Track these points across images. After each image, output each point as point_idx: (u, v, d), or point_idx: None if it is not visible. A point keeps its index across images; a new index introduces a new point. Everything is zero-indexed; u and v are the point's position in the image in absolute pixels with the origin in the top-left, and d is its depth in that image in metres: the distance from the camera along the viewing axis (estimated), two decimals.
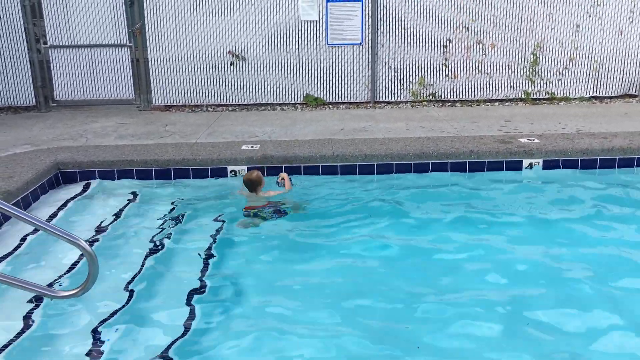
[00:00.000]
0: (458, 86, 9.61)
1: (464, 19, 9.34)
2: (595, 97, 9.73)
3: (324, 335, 3.21)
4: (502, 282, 3.79)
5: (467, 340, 3.15)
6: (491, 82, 9.61)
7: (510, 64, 9.52)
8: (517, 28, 9.38)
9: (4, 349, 3.07)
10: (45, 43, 9.34)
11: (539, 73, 9.58)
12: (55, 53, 9.33)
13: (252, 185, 5.19)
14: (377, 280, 3.82)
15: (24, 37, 9.21)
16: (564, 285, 3.72)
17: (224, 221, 4.83)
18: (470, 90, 9.63)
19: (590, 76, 9.65)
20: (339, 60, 9.45)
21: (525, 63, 9.53)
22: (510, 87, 9.62)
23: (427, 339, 3.16)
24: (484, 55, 9.48)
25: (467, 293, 3.64)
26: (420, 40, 9.40)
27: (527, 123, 7.79)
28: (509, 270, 3.92)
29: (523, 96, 9.63)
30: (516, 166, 6.02)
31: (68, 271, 3.94)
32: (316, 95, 9.55)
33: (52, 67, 9.40)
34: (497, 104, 9.55)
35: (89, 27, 9.22)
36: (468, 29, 9.37)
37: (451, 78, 9.57)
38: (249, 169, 5.90)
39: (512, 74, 9.58)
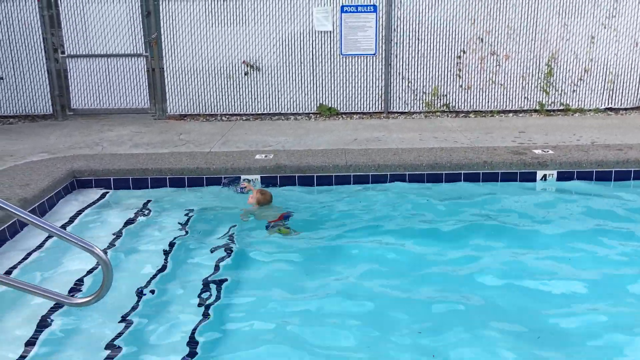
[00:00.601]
0: (472, 97, 9.60)
1: (478, 30, 9.34)
2: (610, 109, 9.67)
3: (343, 343, 3.21)
4: (516, 293, 3.76)
5: (482, 351, 3.14)
6: (505, 93, 9.58)
7: (524, 75, 9.50)
8: (532, 39, 9.36)
9: (26, 355, 3.10)
10: (62, 52, 9.48)
11: (554, 84, 9.54)
12: (73, 62, 9.47)
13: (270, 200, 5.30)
14: (389, 290, 3.82)
15: (43, 46, 9.35)
16: (580, 297, 3.68)
17: (236, 228, 4.86)
18: (484, 101, 9.61)
19: (605, 87, 9.59)
20: (353, 71, 9.48)
21: (540, 74, 9.50)
22: (525, 98, 9.59)
23: (443, 349, 3.15)
24: (498, 66, 9.47)
25: (480, 303, 3.62)
26: (434, 51, 9.41)
27: (542, 134, 7.76)
28: (521, 281, 3.89)
29: (537, 107, 9.59)
30: (530, 177, 5.99)
31: (82, 278, 3.98)
32: (330, 105, 9.59)
33: (69, 76, 9.53)
34: (511, 115, 9.52)
35: (106, 36, 9.35)
36: (482, 40, 9.37)
37: (465, 89, 9.56)
38: (262, 178, 5.94)
39: (527, 85, 9.55)
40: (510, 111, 9.63)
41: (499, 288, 3.83)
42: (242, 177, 5.94)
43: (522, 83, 9.53)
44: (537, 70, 9.49)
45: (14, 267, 4.13)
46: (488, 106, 9.63)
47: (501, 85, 9.55)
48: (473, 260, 4.26)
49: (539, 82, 9.53)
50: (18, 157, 6.83)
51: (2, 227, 4.46)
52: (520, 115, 9.49)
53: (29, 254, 4.33)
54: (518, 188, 5.86)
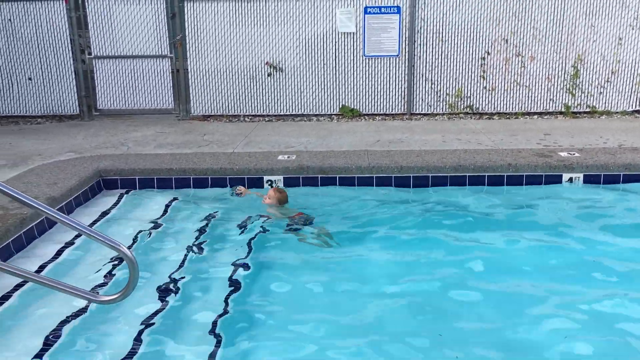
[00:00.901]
0: (496, 99, 9.52)
1: (502, 31, 9.26)
2: (637, 112, 9.50)
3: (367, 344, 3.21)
4: (539, 296, 3.72)
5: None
6: (530, 94, 9.49)
7: (550, 76, 9.39)
8: (558, 40, 9.26)
9: (47, 349, 3.16)
10: (89, 54, 9.63)
11: (580, 86, 9.42)
12: (99, 63, 9.61)
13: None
14: (410, 294, 3.80)
15: (70, 47, 9.52)
16: (604, 303, 3.63)
17: (258, 228, 4.89)
18: (508, 102, 9.52)
19: (633, 90, 9.43)
20: (376, 72, 9.47)
21: (566, 76, 9.38)
22: (550, 100, 9.48)
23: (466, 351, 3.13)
24: (523, 68, 9.38)
25: (501, 306, 3.59)
26: (458, 52, 9.35)
27: (567, 137, 7.66)
28: (545, 285, 3.85)
29: (563, 109, 9.47)
30: (556, 180, 5.92)
31: (108, 276, 4.03)
32: (352, 107, 9.59)
33: (95, 77, 9.68)
34: (536, 117, 9.41)
35: (132, 38, 9.47)
36: (507, 41, 9.29)
37: (489, 90, 9.48)
38: (284, 179, 5.96)
39: (552, 87, 9.44)
40: (535, 113, 9.53)
41: (522, 292, 3.79)
42: (265, 177, 5.97)
43: (548, 85, 9.43)
44: (562, 72, 9.37)
45: (43, 265, 4.20)
46: (512, 108, 9.54)
47: (526, 86, 9.45)
48: (496, 263, 4.22)
49: (565, 83, 9.41)
50: (46, 156, 6.96)
51: (31, 225, 4.55)
52: (545, 117, 9.38)
53: (57, 252, 4.41)
54: (543, 191, 5.79)
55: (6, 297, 3.71)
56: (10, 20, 9.39)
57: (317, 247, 4.55)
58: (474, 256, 4.34)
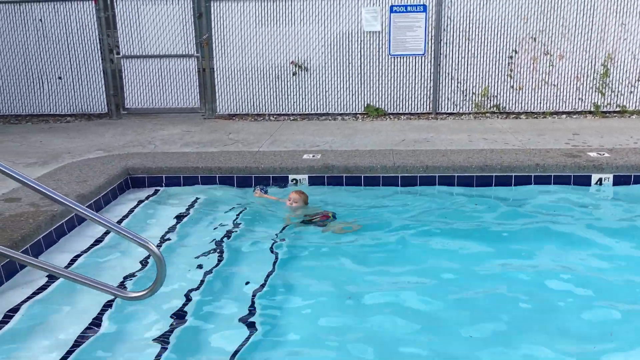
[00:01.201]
0: (523, 98, 9.40)
1: (531, 30, 9.14)
2: None
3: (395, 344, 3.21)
4: (566, 299, 3.67)
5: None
6: (558, 93, 9.34)
7: (579, 75, 9.24)
8: (587, 39, 9.10)
9: (78, 346, 3.21)
10: (118, 53, 9.77)
11: (610, 85, 9.25)
12: (127, 63, 9.74)
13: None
14: (433, 295, 3.78)
15: (99, 47, 9.67)
16: (632, 309, 3.56)
17: (284, 227, 4.91)
18: (536, 101, 9.40)
19: None
20: (401, 71, 9.42)
21: (595, 75, 9.22)
22: (579, 99, 9.33)
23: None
24: (551, 67, 9.24)
25: (529, 307, 3.55)
26: (485, 51, 9.25)
27: (597, 137, 7.53)
28: (572, 287, 3.79)
29: (592, 109, 9.31)
30: (585, 181, 5.82)
31: (135, 273, 4.09)
32: (377, 106, 9.56)
33: (123, 77, 9.82)
34: (564, 116, 9.27)
35: (159, 38, 9.59)
36: (535, 39, 9.16)
37: (516, 89, 9.36)
38: (309, 178, 5.98)
39: (581, 86, 9.29)
40: (563, 112, 9.38)
41: (550, 293, 3.74)
42: (290, 176, 6.00)
43: (577, 84, 9.27)
44: (592, 71, 9.21)
45: (73, 260, 4.28)
46: (540, 107, 9.41)
47: (554, 85, 9.31)
48: (522, 264, 4.17)
49: (594, 82, 9.25)
50: (75, 154, 7.08)
51: (61, 222, 4.63)
52: (574, 116, 9.24)
53: (86, 249, 4.48)
54: (572, 191, 5.70)
55: (37, 292, 3.79)
56: (41, 20, 9.58)
57: (344, 242, 4.56)
58: (500, 256, 4.30)
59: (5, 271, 3.87)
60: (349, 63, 9.45)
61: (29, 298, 3.70)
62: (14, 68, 9.77)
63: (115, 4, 9.51)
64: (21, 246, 4.06)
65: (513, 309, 3.56)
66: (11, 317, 3.49)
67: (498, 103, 9.43)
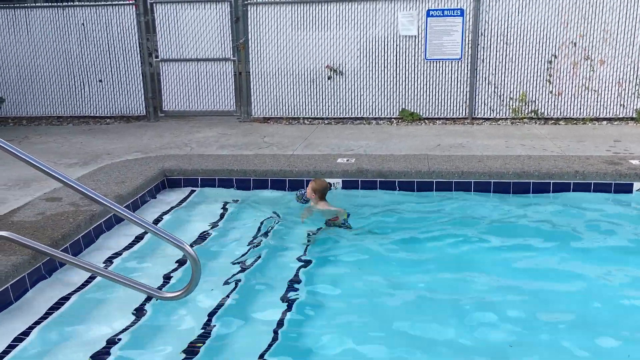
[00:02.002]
0: (562, 103, 9.21)
1: (571, 34, 8.96)
2: None
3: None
4: (602, 310, 3.57)
5: None
6: (599, 99, 9.13)
7: (620, 81, 9.01)
8: (630, 44, 8.87)
9: (117, 342, 3.28)
10: (156, 57, 9.95)
11: None
12: (165, 66, 9.91)
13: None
14: (468, 302, 3.73)
15: (138, 51, 9.86)
16: None
17: (319, 229, 4.91)
18: (575, 107, 9.20)
19: None
20: (437, 76, 9.35)
21: (638, 80, 8.97)
22: (620, 105, 9.09)
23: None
24: (592, 72, 9.04)
25: (563, 318, 3.48)
26: (523, 56, 9.11)
27: (639, 144, 7.32)
28: (607, 301, 3.69)
29: (634, 115, 9.06)
30: (626, 189, 5.66)
31: (171, 273, 4.15)
32: (412, 110, 9.49)
33: (161, 80, 9.99)
34: (604, 122, 9.05)
35: (197, 41, 9.73)
36: (575, 44, 8.97)
37: (555, 95, 9.18)
38: (344, 182, 5.97)
39: (623, 92, 9.05)
40: (604, 119, 9.16)
41: (583, 302, 3.66)
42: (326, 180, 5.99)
43: (618, 89, 9.04)
44: (634, 76, 8.97)
45: (110, 259, 4.37)
46: (580, 113, 9.20)
47: (595, 91, 9.10)
48: (557, 274, 4.09)
49: (637, 88, 9.00)
50: (114, 155, 7.23)
51: (100, 222, 4.73)
52: (615, 123, 9.01)
53: (124, 248, 4.57)
54: (612, 200, 5.56)
55: (75, 291, 3.88)
56: (83, 24, 9.82)
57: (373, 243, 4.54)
58: (536, 265, 4.22)
59: (45, 268, 3.97)
60: (384, 67, 9.42)
61: (68, 295, 3.79)
62: (57, 71, 10.04)
63: (155, 8, 9.69)
64: (61, 245, 4.16)
65: (551, 316, 3.49)
66: (50, 314, 3.57)
67: (536, 108, 9.26)
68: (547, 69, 9.12)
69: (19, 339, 3.26)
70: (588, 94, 9.13)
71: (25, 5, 10.08)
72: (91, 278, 3.99)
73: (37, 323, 3.44)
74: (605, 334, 3.31)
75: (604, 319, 3.48)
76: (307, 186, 5.28)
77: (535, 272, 4.13)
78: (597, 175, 5.69)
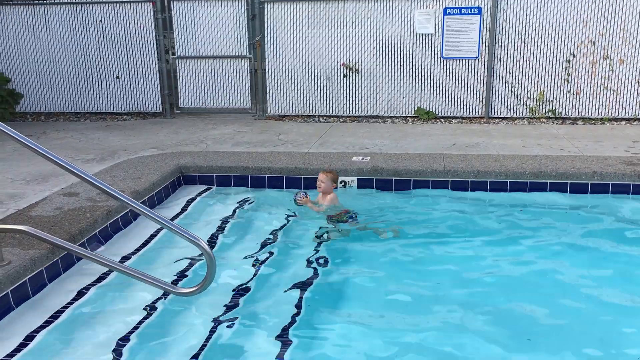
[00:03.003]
0: (580, 103, 9.11)
1: (590, 33, 8.86)
2: None
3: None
4: (619, 315, 3.53)
5: None
6: (618, 99, 9.02)
7: None
8: None
9: (130, 338, 3.30)
10: (173, 54, 10.00)
11: None
12: (182, 63, 9.96)
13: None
14: (483, 303, 3.71)
15: (155, 48, 9.92)
16: None
17: (332, 227, 4.91)
18: (594, 107, 9.10)
19: None
20: (453, 74, 9.29)
21: None
22: None
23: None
24: (611, 71, 8.93)
25: (578, 321, 3.45)
26: (541, 55, 9.02)
27: None
28: (621, 307, 3.65)
29: None
30: None
31: (186, 269, 4.17)
32: (428, 109, 9.45)
33: (178, 77, 10.04)
34: (623, 122, 8.94)
35: (213, 39, 9.76)
36: (594, 43, 8.88)
37: (573, 94, 9.09)
38: (358, 180, 5.96)
39: None
40: (622, 119, 9.05)
41: (597, 309, 3.61)
42: (339, 178, 5.99)
43: (638, 89, 8.93)
44: None
45: (126, 254, 4.40)
46: (598, 113, 9.10)
47: (614, 91, 8.99)
48: (574, 275, 4.05)
49: None
50: (131, 151, 7.29)
51: (116, 217, 4.77)
52: (634, 123, 8.89)
53: (141, 244, 4.60)
54: (631, 201, 5.49)
55: (93, 284, 3.91)
56: (101, 21, 9.90)
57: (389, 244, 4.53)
58: (553, 266, 4.19)
59: (62, 263, 4.02)
60: (400, 65, 9.39)
61: (85, 289, 3.83)
62: (75, 67, 10.13)
63: (172, 5, 9.74)
64: (78, 239, 4.20)
65: (566, 318, 3.46)
66: (67, 307, 3.61)
67: (554, 108, 9.18)
68: (566, 68, 9.03)
69: (36, 332, 3.30)
70: (607, 93, 9.02)
71: (45, 2, 10.18)
72: (108, 273, 4.02)
73: (54, 317, 3.47)
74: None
75: (631, 322, 3.44)
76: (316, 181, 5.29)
77: (554, 271, 4.09)
78: (615, 176, 5.63)
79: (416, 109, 9.48)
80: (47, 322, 3.41)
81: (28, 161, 6.62)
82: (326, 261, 4.33)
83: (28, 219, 4.43)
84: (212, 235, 4.83)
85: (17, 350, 3.14)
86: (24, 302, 3.59)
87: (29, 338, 3.25)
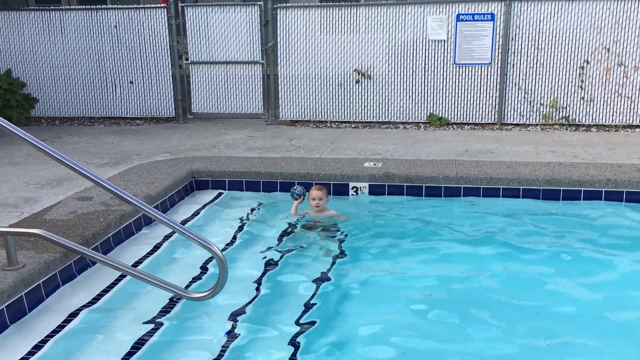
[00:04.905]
0: (594, 110, 9.05)
1: (604, 40, 8.80)
2: None
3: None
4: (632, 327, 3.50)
5: None
6: (633, 106, 8.95)
7: None
8: None
9: (141, 343, 3.32)
10: (186, 59, 10.07)
11: None
12: (195, 69, 10.02)
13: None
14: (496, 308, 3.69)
15: (169, 53, 9.99)
16: None
17: (344, 235, 4.91)
18: (608, 114, 9.03)
19: None
20: (466, 80, 9.27)
21: None
22: None
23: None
24: (625, 78, 8.86)
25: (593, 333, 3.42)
26: (555, 61, 8.98)
27: None
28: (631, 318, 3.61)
29: None
30: None
31: (199, 274, 4.19)
32: (440, 115, 9.43)
33: (191, 82, 10.11)
34: (638, 130, 8.86)
35: (227, 44, 9.82)
36: (609, 50, 8.82)
37: (587, 101, 9.03)
38: (370, 186, 5.96)
39: None
40: (637, 126, 8.97)
41: (611, 319, 3.58)
42: (351, 184, 5.99)
43: None
44: None
45: (139, 259, 4.43)
46: (612, 120, 9.03)
47: (628, 98, 8.93)
48: (586, 283, 4.02)
49: None
50: (144, 156, 7.34)
51: (129, 221, 4.81)
52: None
53: (153, 248, 4.63)
54: None
55: (107, 288, 3.94)
56: (115, 26, 9.99)
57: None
58: (567, 274, 4.16)
59: (76, 267, 4.05)
60: (412, 72, 9.38)
61: (101, 293, 3.86)
62: (90, 72, 10.23)
63: (185, 11, 9.81)
64: (92, 243, 4.23)
65: (585, 324, 3.43)
66: (82, 310, 3.64)
67: (567, 115, 9.12)
68: (579, 75, 8.98)
69: (50, 336, 3.33)
70: (621, 100, 8.96)
71: (60, 7, 10.29)
72: (121, 277, 4.05)
73: (67, 321, 3.50)
74: None
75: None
76: (308, 194, 5.28)
77: (569, 279, 4.07)
78: (629, 184, 5.58)
79: (428, 114, 9.46)
80: (60, 327, 3.44)
81: (43, 165, 6.68)
82: (336, 265, 4.32)
83: (42, 223, 4.47)
84: (223, 239, 4.84)
85: (31, 353, 3.17)
86: (38, 306, 3.62)
87: (43, 341, 3.28)
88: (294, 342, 3.29)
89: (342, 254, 4.56)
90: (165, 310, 3.64)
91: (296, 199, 5.34)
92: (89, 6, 10.10)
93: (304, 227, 5.08)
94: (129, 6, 9.94)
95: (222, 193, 6.11)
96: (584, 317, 3.58)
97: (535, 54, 9.01)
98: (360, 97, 9.61)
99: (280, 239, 4.87)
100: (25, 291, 3.54)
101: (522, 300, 3.78)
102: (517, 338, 3.35)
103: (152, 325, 3.46)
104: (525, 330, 3.42)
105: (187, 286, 3.99)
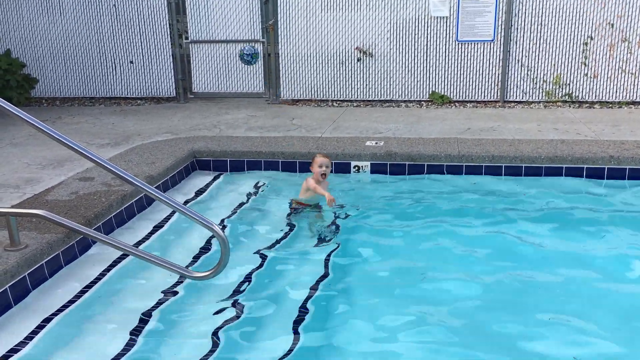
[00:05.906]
0: (598, 86, 8.98)
1: (608, 15, 8.70)
2: None
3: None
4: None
5: None
6: (636, 82, 8.87)
7: None
8: None
9: (148, 321, 3.34)
10: (186, 38, 9.98)
11: None
12: (195, 48, 9.95)
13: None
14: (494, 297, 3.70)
15: (169, 32, 9.90)
16: None
17: (347, 214, 4.91)
18: (611, 91, 8.96)
19: None
20: (468, 58, 9.19)
21: None
22: None
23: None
24: (629, 54, 8.78)
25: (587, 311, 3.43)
26: (558, 37, 8.89)
27: None
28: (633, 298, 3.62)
29: None
30: None
31: (199, 254, 4.21)
32: (442, 93, 9.37)
33: (191, 61, 10.03)
34: None
35: (227, 23, 9.73)
36: (612, 25, 8.72)
37: (590, 77, 8.96)
38: (372, 165, 5.94)
39: None
40: None
41: (618, 298, 3.59)
42: (352, 163, 5.97)
43: None
44: None
45: (141, 239, 4.44)
46: (616, 97, 8.97)
47: (632, 74, 8.85)
48: (593, 262, 4.02)
49: None
50: (145, 136, 7.32)
51: (131, 202, 4.81)
52: None
53: (154, 228, 4.64)
54: None
55: (109, 268, 3.96)
56: (115, 5, 9.90)
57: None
58: (567, 253, 4.16)
59: (78, 247, 4.06)
60: (414, 49, 9.30)
61: (102, 274, 3.87)
62: (90, 52, 10.16)
63: None
64: (94, 224, 4.24)
65: (579, 302, 3.44)
66: (85, 292, 3.66)
67: (570, 92, 9.06)
68: (583, 51, 8.89)
69: (53, 315, 3.35)
70: (625, 76, 8.88)
71: None
72: (123, 257, 4.06)
73: (70, 301, 3.52)
74: None
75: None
76: (313, 162, 5.05)
77: (572, 257, 4.08)
78: (632, 161, 5.56)
79: (430, 92, 9.40)
80: (64, 306, 3.46)
81: (44, 146, 6.68)
82: (341, 248, 4.32)
83: (44, 204, 4.48)
84: (225, 219, 4.85)
85: (35, 332, 3.19)
86: (40, 286, 3.64)
87: (46, 320, 3.30)
88: (296, 320, 3.31)
89: (342, 232, 4.56)
90: (168, 290, 3.66)
91: (248, 61, 4.98)
92: None
93: (298, 205, 5.01)
94: None
95: (223, 172, 6.10)
96: (585, 292, 3.60)
97: (539, 30, 8.91)
98: (362, 76, 9.54)
99: (281, 219, 4.87)
100: (28, 272, 3.56)
101: (527, 277, 3.79)
102: (522, 313, 3.36)
103: (153, 304, 3.48)
104: (530, 306, 3.43)
105: (189, 265, 4.01)
